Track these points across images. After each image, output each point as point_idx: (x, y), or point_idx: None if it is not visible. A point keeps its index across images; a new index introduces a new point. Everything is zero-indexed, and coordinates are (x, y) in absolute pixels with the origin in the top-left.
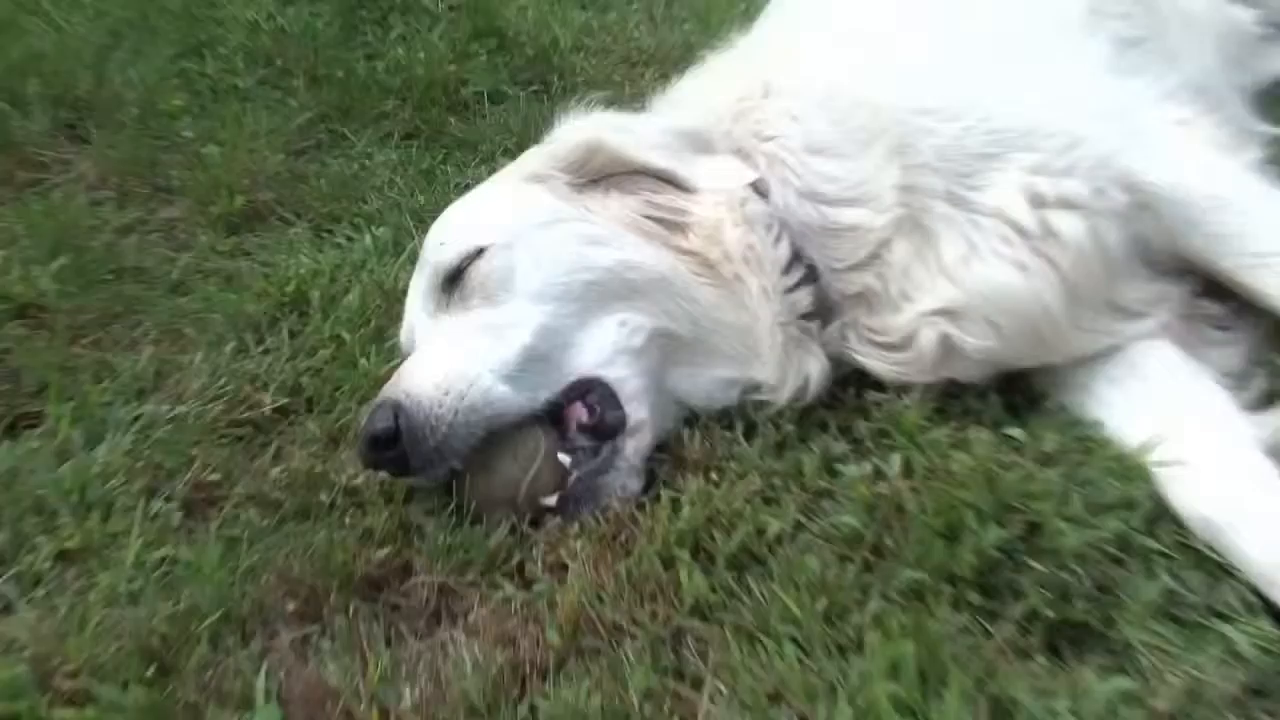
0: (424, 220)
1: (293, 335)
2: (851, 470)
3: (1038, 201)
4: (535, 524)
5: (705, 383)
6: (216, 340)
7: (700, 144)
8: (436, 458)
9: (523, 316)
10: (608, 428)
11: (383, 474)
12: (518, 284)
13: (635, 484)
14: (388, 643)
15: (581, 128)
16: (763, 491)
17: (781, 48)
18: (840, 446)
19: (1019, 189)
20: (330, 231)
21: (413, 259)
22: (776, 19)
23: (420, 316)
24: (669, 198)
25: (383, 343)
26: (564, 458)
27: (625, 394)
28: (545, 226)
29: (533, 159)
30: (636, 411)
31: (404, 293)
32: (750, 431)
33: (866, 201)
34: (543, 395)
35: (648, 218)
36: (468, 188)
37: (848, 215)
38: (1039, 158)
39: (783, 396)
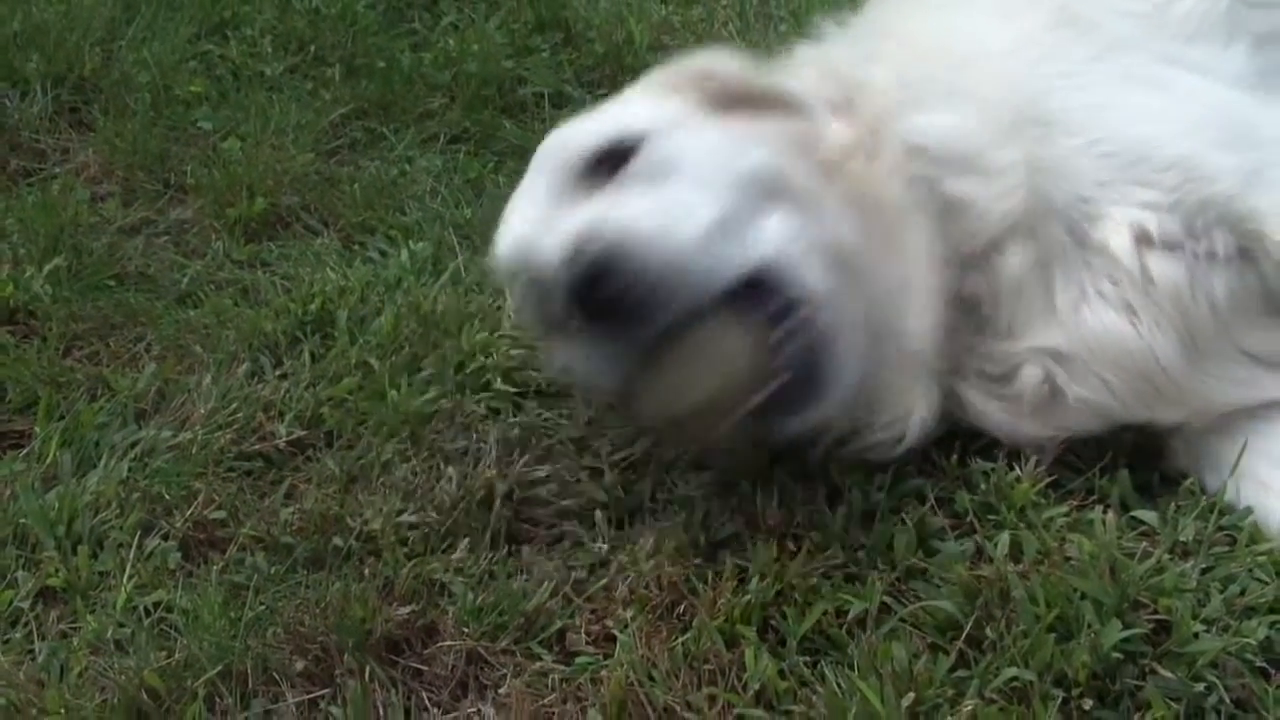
0: (469, 236)
1: (314, 359)
2: (950, 548)
3: (1143, 239)
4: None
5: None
6: (228, 360)
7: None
8: (669, 301)
9: (698, 199)
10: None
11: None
12: (686, 168)
13: (852, 368)
14: (406, 714)
15: (692, 59)
16: (845, 566)
17: (888, 32)
18: (938, 520)
19: (1128, 224)
20: (362, 244)
21: (455, 279)
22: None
23: (547, 214)
24: (798, 124)
25: (416, 373)
26: (776, 334)
27: (811, 272)
28: (695, 123)
29: (657, 75)
30: (826, 283)
31: (443, 316)
32: (834, 497)
33: (981, 170)
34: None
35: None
36: None
37: (960, 185)
38: (1150, 191)
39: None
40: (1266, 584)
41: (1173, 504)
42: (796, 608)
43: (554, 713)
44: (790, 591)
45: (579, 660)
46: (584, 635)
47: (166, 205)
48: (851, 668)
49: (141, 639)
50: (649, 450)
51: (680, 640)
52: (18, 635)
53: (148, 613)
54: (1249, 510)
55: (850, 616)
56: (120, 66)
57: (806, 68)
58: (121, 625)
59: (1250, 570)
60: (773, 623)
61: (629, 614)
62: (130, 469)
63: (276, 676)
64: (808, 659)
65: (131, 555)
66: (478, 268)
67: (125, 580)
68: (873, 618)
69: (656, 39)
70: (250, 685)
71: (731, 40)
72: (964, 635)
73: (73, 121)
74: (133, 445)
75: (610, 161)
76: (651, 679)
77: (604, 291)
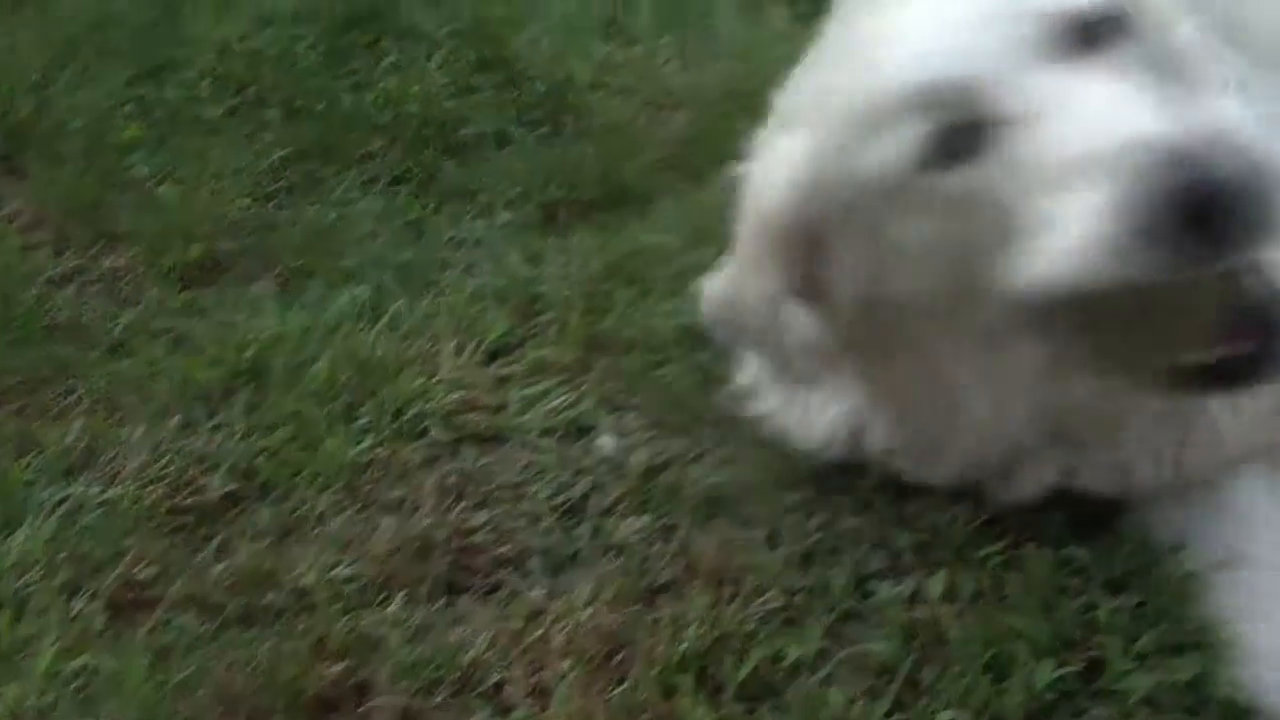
0: (410, 279)
1: (249, 410)
2: (886, 590)
3: None
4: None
5: None
6: (160, 413)
7: None
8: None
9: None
10: None
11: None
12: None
13: None
14: None
15: None
16: (783, 610)
17: None
18: (875, 561)
19: None
20: (300, 289)
21: (394, 323)
22: None
23: (1022, 63)
24: None
25: (352, 421)
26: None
27: None
28: None
29: None
30: None
31: (381, 362)
32: (773, 538)
33: None
34: None
35: None
36: (462, 242)
37: None
38: None
39: None
40: (1195, 620)
41: (1106, 539)
42: (735, 654)
43: None
44: (728, 638)
45: (515, 714)
46: (521, 688)
47: (100, 253)
48: (789, 713)
49: (64, 706)
50: (586, 493)
51: (617, 691)
52: None
53: (72, 678)
54: (1181, 544)
55: (788, 661)
56: (54, 112)
57: None
58: (42, 693)
59: (1180, 604)
60: (710, 670)
61: (566, 664)
62: (58, 528)
63: None
64: (745, 706)
65: (55, 618)
66: (419, 311)
67: (48, 644)
68: (810, 663)
69: (599, 78)
70: None
71: (674, 78)
72: (901, 678)
73: (5, 169)
74: (60, 503)
75: (1092, 30)
76: None
77: (1217, 215)
